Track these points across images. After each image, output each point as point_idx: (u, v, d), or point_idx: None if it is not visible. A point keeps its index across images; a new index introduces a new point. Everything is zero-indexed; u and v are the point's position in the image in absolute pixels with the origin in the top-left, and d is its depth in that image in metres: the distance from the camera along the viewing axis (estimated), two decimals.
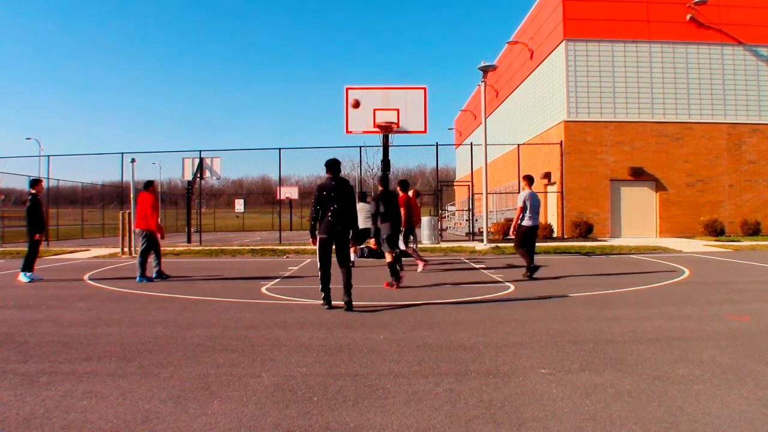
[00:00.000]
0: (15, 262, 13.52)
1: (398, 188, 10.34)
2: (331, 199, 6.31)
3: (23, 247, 18.38)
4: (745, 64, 19.64)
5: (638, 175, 19.23)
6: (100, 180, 29.86)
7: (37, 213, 9.28)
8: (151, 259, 9.51)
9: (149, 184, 9.66)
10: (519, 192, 9.60)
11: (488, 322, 5.49)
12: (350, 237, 6.49)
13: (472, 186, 21.64)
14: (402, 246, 9.76)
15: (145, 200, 9.35)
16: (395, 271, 8.07)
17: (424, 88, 13.91)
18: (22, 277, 9.41)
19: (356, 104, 13.33)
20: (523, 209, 9.09)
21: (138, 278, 9.20)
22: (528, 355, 4.24)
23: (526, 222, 9.10)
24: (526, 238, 9.13)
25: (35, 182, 9.60)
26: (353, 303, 6.27)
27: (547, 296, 7.13)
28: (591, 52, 19.37)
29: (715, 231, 18.21)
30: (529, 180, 9.54)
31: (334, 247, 6.41)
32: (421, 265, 10.09)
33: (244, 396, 3.35)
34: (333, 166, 6.50)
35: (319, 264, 6.37)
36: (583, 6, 19.36)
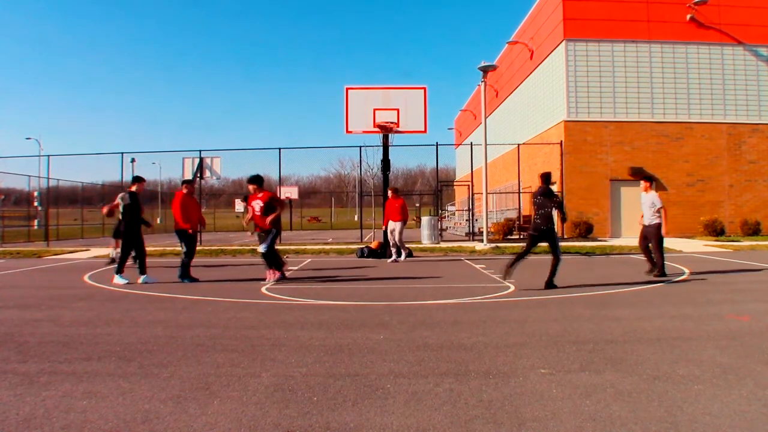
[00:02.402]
0: (15, 262, 13.51)
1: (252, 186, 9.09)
2: (538, 205, 7.71)
3: (23, 247, 18.42)
4: (745, 64, 19.64)
5: (638, 175, 19.19)
6: (100, 180, 29.84)
7: (136, 212, 9.05)
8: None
9: (183, 183, 9.56)
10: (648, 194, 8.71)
11: (488, 322, 5.49)
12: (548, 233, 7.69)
13: (472, 186, 21.63)
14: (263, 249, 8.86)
15: (174, 200, 9.22)
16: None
17: (424, 88, 13.92)
18: (118, 279, 8.94)
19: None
20: (658, 209, 8.88)
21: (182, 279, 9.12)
22: (528, 355, 4.24)
23: (658, 221, 8.92)
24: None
25: (138, 179, 9.32)
26: None
27: (547, 296, 7.13)
28: (591, 52, 19.37)
29: (715, 231, 18.21)
30: (650, 180, 9.38)
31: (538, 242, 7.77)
32: (269, 275, 8.95)
33: (244, 396, 3.35)
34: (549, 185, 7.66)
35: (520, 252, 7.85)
36: (583, 6, 19.36)
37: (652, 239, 8.96)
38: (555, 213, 7.78)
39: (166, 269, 11.28)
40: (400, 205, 12.45)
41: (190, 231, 9.13)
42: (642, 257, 9.72)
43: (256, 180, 8.98)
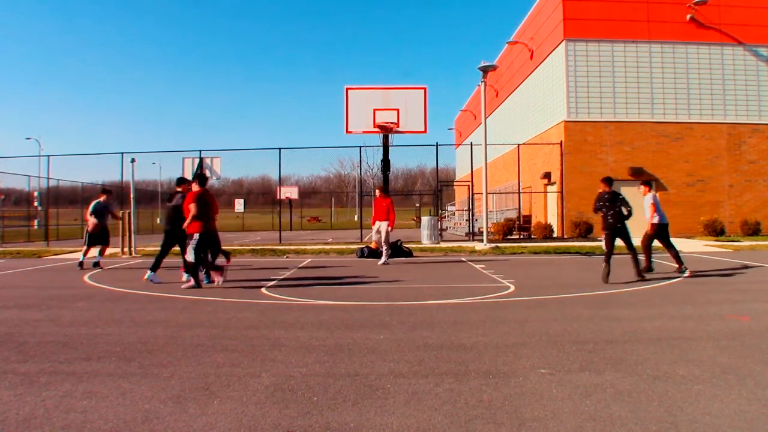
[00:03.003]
0: (15, 262, 13.51)
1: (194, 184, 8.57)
2: (607, 207, 8.73)
3: (23, 247, 18.41)
4: (745, 64, 19.63)
5: (638, 175, 19.19)
6: (100, 180, 29.82)
7: (182, 212, 9.06)
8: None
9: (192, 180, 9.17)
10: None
11: (488, 322, 5.49)
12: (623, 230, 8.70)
13: (472, 186, 21.63)
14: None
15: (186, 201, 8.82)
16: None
17: (424, 88, 13.93)
18: (148, 276, 9.03)
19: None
20: (657, 208, 9.59)
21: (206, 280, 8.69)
22: (528, 355, 4.24)
23: (662, 220, 9.58)
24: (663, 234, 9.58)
25: (183, 180, 9.22)
26: None
27: (547, 296, 7.13)
28: (591, 52, 19.37)
29: (715, 231, 18.20)
30: (648, 184, 10.00)
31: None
32: (216, 278, 8.38)
33: (244, 396, 3.35)
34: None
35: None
36: (583, 6, 19.36)
37: (652, 237, 9.47)
38: (624, 210, 8.81)
39: (166, 270, 11.30)
40: (387, 205, 11.93)
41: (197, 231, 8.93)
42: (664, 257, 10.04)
43: (195, 178, 8.42)
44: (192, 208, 8.07)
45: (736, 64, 19.58)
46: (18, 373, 3.88)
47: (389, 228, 11.83)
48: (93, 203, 12.00)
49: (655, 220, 9.44)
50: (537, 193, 21.73)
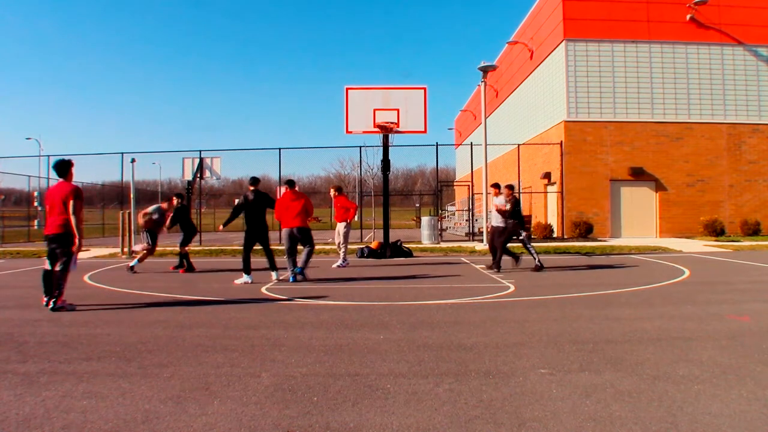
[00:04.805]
0: (15, 262, 13.51)
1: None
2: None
3: (23, 247, 18.40)
4: (745, 64, 19.64)
5: (638, 175, 19.23)
6: (100, 180, 29.84)
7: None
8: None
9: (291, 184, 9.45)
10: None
11: (488, 322, 5.49)
12: None
13: (472, 186, 21.64)
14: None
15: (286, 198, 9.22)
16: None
17: (424, 88, 13.91)
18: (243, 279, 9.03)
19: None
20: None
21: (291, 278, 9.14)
22: (528, 355, 4.24)
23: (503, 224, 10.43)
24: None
25: (289, 182, 9.37)
26: None
27: (547, 296, 7.13)
28: (591, 52, 19.37)
29: (715, 231, 18.21)
30: (498, 187, 10.71)
31: None
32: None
33: (244, 396, 3.35)
34: None
35: None
36: (583, 6, 19.36)
37: (499, 237, 10.31)
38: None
39: (162, 271, 11.31)
40: (340, 205, 11.44)
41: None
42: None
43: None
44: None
45: (736, 64, 19.59)
46: (18, 373, 3.88)
47: (345, 228, 11.40)
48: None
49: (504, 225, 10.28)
50: (537, 193, 21.74)
